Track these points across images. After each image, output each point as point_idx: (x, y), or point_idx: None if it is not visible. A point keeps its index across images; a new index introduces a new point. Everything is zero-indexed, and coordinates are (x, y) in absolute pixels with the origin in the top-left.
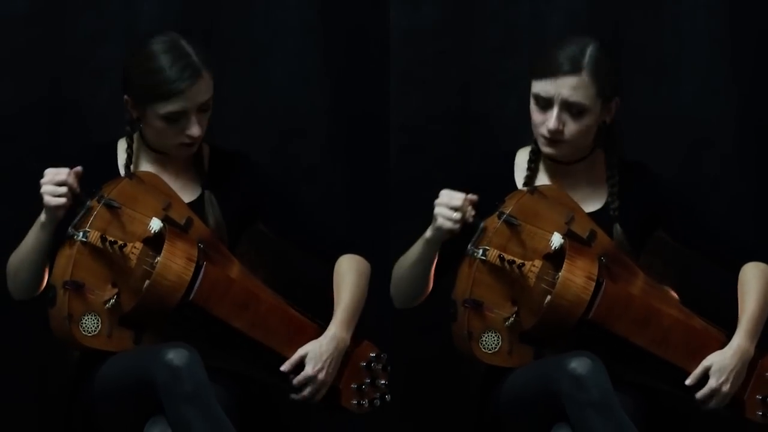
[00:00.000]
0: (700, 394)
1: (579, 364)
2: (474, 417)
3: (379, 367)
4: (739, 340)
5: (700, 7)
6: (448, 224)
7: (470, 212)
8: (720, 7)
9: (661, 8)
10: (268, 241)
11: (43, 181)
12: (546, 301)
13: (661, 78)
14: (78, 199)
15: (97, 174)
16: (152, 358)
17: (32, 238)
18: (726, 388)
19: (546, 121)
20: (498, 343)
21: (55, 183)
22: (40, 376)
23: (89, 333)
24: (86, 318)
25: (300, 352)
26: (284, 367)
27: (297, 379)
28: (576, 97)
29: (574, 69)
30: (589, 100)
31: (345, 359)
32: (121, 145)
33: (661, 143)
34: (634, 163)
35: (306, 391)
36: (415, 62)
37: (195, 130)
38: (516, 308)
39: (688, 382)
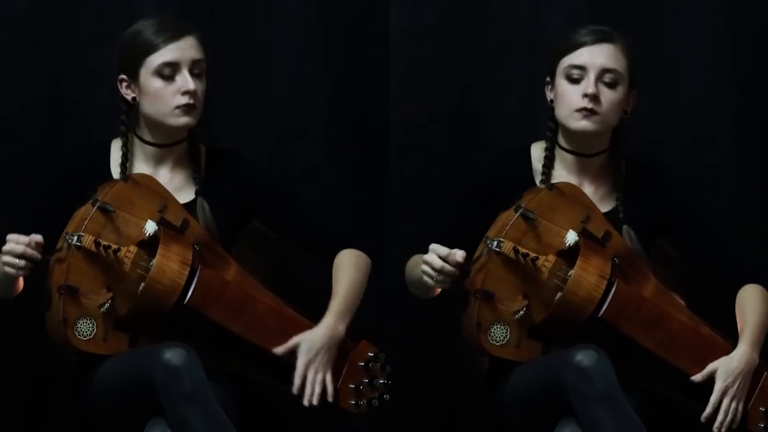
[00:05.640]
0: (712, 398)
1: (584, 357)
2: (477, 416)
3: (378, 366)
4: (744, 347)
5: (700, 7)
6: (431, 282)
7: (454, 272)
8: (720, 7)
9: (661, 8)
10: (268, 243)
11: (3, 249)
12: (557, 297)
13: (661, 78)
14: (40, 263)
15: (89, 176)
16: (150, 358)
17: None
18: (733, 390)
19: (583, 90)
20: (506, 336)
21: (14, 254)
22: (40, 377)
23: (84, 337)
24: (81, 322)
25: (293, 341)
26: (278, 350)
27: (295, 383)
28: (611, 63)
29: (607, 38)
30: (622, 68)
31: (343, 359)
32: (115, 146)
33: (661, 143)
34: (646, 164)
35: (304, 389)
36: (415, 62)
37: (190, 84)
38: (527, 302)
39: (695, 378)
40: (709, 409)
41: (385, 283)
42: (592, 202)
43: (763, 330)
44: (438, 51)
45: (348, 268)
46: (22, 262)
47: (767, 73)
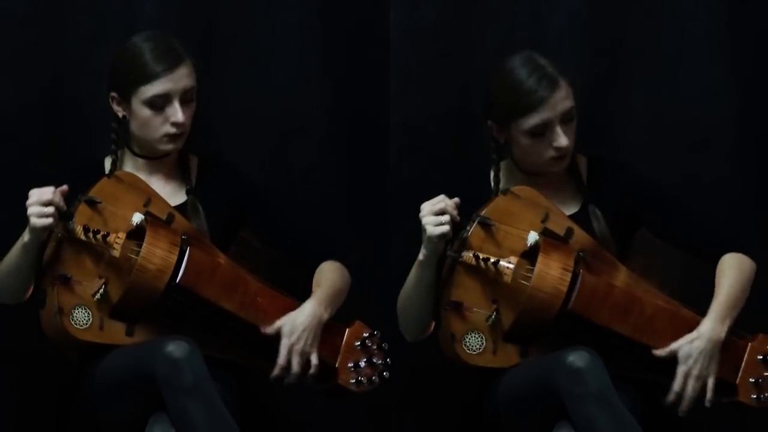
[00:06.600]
0: (675, 384)
1: (576, 358)
2: (476, 416)
3: (374, 346)
4: (708, 323)
5: (700, 7)
6: (438, 229)
7: (455, 215)
8: (720, 7)
9: (661, 8)
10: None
11: (29, 202)
12: (524, 296)
13: (661, 78)
14: (65, 216)
15: (82, 191)
16: (152, 352)
17: (16, 257)
18: (696, 371)
19: (552, 143)
20: (482, 344)
21: (41, 203)
22: (41, 376)
23: (81, 326)
24: (77, 311)
25: (277, 323)
26: (267, 330)
27: (279, 362)
28: (569, 104)
29: (555, 84)
30: (574, 101)
31: (339, 340)
32: (108, 163)
33: (661, 143)
34: (612, 161)
35: (290, 365)
36: (415, 62)
37: (179, 116)
38: (496, 306)
39: (657, 353)
40: (672, 396)
41: (385, 283)
42: (549, 201)
43: (734, 301)
44: (438, 51)
45: (331, 271)
46: (50, 209)
47: (767, 73)
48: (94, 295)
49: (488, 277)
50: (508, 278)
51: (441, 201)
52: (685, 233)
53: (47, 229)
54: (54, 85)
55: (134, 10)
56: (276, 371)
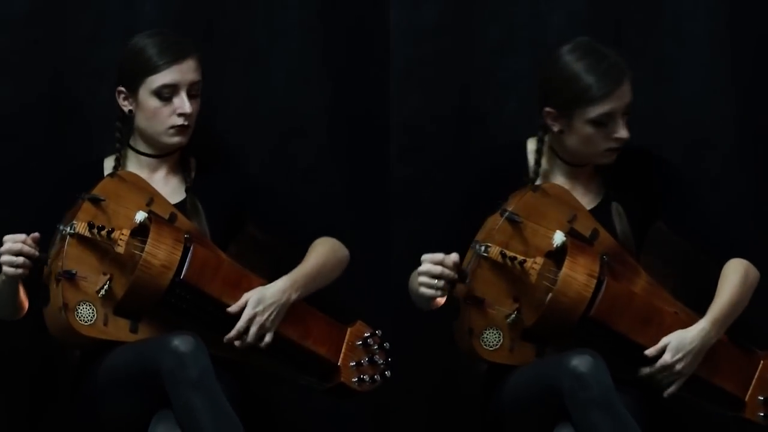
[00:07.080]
0: (654, 368)
1: (580, 362)
2: (477, 416)
3: (376, 343)
4: (704, 324)
5: (700, 7)
6: (429, 293)
7: (453, 275)
8: (720, 8)
9: (661, 8)
10: (268, 242)
11: (1, 250)
12: (547, 298)
13: (661, 78)
14: (38, 261)
15: (81, 192)
16: (157, 347)
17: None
18: (679, 366)
19: (613, 134)
20: (499, 340)
21: (12, 253)
22: (42, 376)
23: (85, 322)
24: (81, 307)
25: (244, 297)
26: (231, 309)
27: (237, 327)
28: (631, 97)
29: (624, 75)
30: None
31: (341, 339)
32: (108, 164)
33: (661, 143)
34: (636, 149)
35: (246, 334)
36: (416, 62)
37: (187, 107)
38: (517, 305)
39: (648, 352)
40: (644, 374)
41: (385, 283)
42: (578, 201)
43: (731, 308)
44: (438, 51)
45: (320, 247)
46: (20, 260)
47: (767, 73)
48: (98, 292)
49: (513, 275)
50: (533, 278)
51: (439, 264)
52: (698, 229)
53: (19, 277)
54: (54, 85)
55: (134, 10)
56: (232, 334)
